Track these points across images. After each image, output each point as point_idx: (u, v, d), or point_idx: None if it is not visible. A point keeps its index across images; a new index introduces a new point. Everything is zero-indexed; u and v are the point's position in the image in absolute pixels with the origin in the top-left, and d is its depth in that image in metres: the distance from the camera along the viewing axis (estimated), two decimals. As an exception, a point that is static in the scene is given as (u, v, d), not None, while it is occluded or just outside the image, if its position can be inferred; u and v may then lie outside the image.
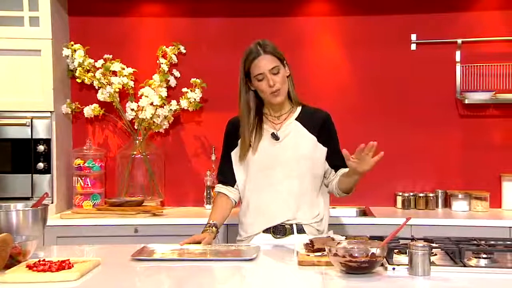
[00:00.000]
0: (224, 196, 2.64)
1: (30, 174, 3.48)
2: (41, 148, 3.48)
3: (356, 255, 1.86)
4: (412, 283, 1.82)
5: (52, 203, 3.46)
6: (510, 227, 3.17)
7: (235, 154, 2.62)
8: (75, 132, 3.81)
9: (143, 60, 3.79)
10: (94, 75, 3.64)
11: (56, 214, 3.43)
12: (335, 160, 2.54)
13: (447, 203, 3.65)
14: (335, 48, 3.80)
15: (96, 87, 3.68)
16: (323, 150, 2.56)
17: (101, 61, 3.65)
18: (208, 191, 3.67)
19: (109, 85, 3.62)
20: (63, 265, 1.93)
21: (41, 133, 3.50)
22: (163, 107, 3.65)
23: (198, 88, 3.67)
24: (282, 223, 2.52)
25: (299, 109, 2.61)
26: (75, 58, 3.62)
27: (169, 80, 3.72)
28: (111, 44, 3.78)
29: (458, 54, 3.68)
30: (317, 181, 2.57)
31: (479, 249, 2.05)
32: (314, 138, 2.56)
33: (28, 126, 3.48)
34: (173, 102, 3.65)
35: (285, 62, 2.54)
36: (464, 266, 1.93)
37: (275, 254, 2.28)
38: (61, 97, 3.61)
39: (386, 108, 3.76)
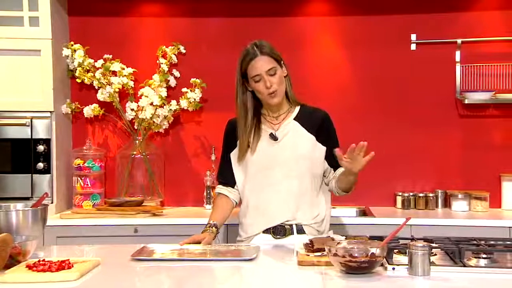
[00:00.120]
0: (225, 197, 2.65)
1: (30, 174, 3.48)
2: (41, 148, 3.48)
3: (356, 255, 1.86)
4: (412, 283, 1.82)
5: (52, 203, 3.46)
6: (510, 227, 3.17)
7: (234, 155, 2.62)
8: (75, 132, 3.81)
9: (143, 60, 3.79)
10: (94, 75, 3.64)
11: (56, 214, 3.43)
12: (334, 160, 2.52)
13: (447, 203, 3.65)
14: (335, 48, 3.80)
15: (96, 87, 3.68)
16: (322, 150, 2.56)
17: (101, 61, 3.65)
18: (208, 191, 3.67)
19: (109, 85, 3.62)
20: (63, 265, 1.93)
21: (41, 133, 3.50)
22: (163, 107, 3.65)
23: (198, 88, 3.67)
24: (282, 223, 2.51)
25: (297, 109, 2.61)
26: (75, 58, 3.62)
27: (169, 80, 3.72)
28: (111, 44, 3.78)
29: (458, 54, 3.68)
30: (317, 181, 2.56)
31: (479, 249, 2.05)
32: (313, 138, 2.55)
33: (28, 126, 3.48)
34: (173, 102, 3.66)
35: (282, 62, 2.53)
36: (464, 266, 1.93)
37: (275, 254, 2.28)
38: (61, 97, 3.61)
39: (386, 108, 3.76)
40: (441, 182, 3.71)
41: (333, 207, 2.71)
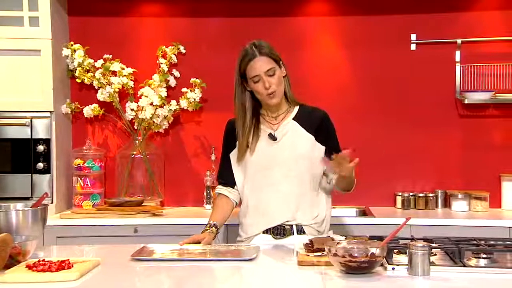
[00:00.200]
0: (225, 197, 2.64)
1: (30, 174, 3.48)
2: (40, 148, 3.48)
3: (355, 255, 1.86)
4: (412, 283, 1.82)
5: (51, 203, 3.46)
6: (509, 227, 3.17)
7: (233, 155, 2.62)
8: (75, 132, 3.81)
9: (142, 60, 3.79)
10: (94, 75, 3.64)
11: (56, 214, 3.43)
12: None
13: (446, 203, 3.65)
14: (335, 48, 3.80)
15: (96, 87, 3.68)
16: (321, 149, 2.56)
17: (100, 61, 3.65)
18: (208, 191, 3.67)
19: (109, 85, 3.62)
20: (62, 265, 1.93)
21: (40, 133, 3.49)
22: (162, 107, 3.65)
23: (197, 88, 3.67)
24: (282, 224, 2.51)
25: (296, 108, 2.61)
26: (74, 58, 3.61)
27: (168, 80, 3.72)
28: (111, 44, 3.78)
29: (458, 54, 3.68)
30: (316, 181, 2.56)
31: (479, 249, 2.05)
32: (312, 138, 2.55)
33: (27, 126, 3.48)
34: (173, 102, 3.65)
35: (281, 62, 2.53)
36: (464, 266, 1.93)
37: (274, 254, 2.28)
38: (60, 97, 3.61)
39: (386, 108, 3.76)
40: (441, 182, 3.71)
41: (333, 207, 2.70)
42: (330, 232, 2.59)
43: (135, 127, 3.70)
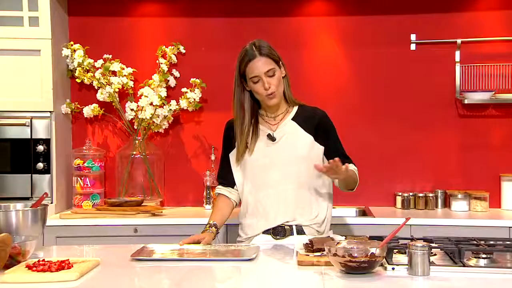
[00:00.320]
0: (225, 197, 2.64)
1: (30, 174, 3.48)
2: (40, 148, 3.48)
3: (355, 255, 1.86)
4: (412, 283, 1.82)
5: (51, 203, 3.46)
6: (509, 227, 3.17)
7: (233, 156, 2.62)
8: (75, 132, 3.81)
9: (142, 60, 3.79)
10: (94, 75, 3.63)
11: (56, 214, 3.43)
12: (334, 158, 2.52)
13: (446, 203, 3.65)
14: (335, 48, 3.80)
15: (96, 87, 3.68)
16: (320, 149, 2.56)
17: (100, 61, 3.65)
18: (208, 191, 3.67)
19: (109, 85, 3.62)
20: (62, 265, 1.93)
21: (40, 133, 3.49)
22: (162, 107, 3.65)
23: (197, 88, 3.67)
24: (281, 224, 2.51)
25: (295, 109, 2.61)
26: (74, 58, 3.61)
27: (168, 80, 3.72)
28: (111, 44, 3.78)
29: (457, 54, 3.68)
30: (316, 181, 2.56)
31: (479, 249, 2.05)
32: (311, 138, 2.55)
33: (27, 126, 3.48)
34: (173, 102, 3.65)
35: (281, 62, 2.53)
36: (464, 266, 1.93)
37: (274, 254, 2.28)
38: (60, 97, 3.61)
39: (386, 108, 3.76)
40: (441, 182, 3.71)
41: (333, 207, 2.70)
42: (330, 232, 2.59)
43: (135, 127, 3.70)
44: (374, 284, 1.81)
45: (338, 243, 2.01)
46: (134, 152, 3.69)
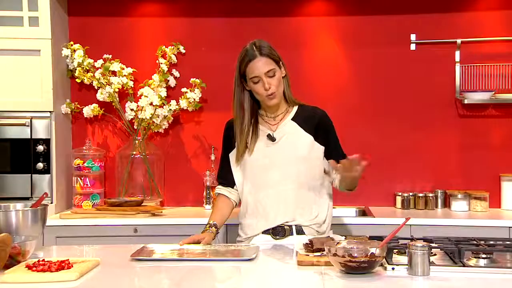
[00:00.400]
0: (224, 197, 2.64)
1: (30, 174, 3.48)
2: (40, 148, 3.48)
3: (355, 255, 1.86)
4: (412, 283, 1.82)
5: (51, 203, 3.46)
6: (509, 227, 3.17)
7: (232, 156, 2.62)
8: (75, 132, 3.81)
9: (142, 60, 3.79)
10: (94, 75, 3.63)
11: (56, 214, 3.43)
12: (335, 158, 2.51)
13: (446, 203, 3.65)
14: (335, 48, 3.80)
15: (96, 87, 3.68)
16: (320, 149, 2.56)
17: (100, 61, 3.65)
18: (208, 191, 3.67)
19: (109, 85, 3.62)
20: (62, 265, 1.93)
21: (40, 133, 3.49)
22: (162, 107, 3.65)
23: (197, 88, 3.67)
24: (281, 224, 2.51)
25: (295, 109, 2.60)
26: (74, 58, 3.61)
27: (168, 80, 3.72)
28: (111, 44, 3.78)
29: (457, 54, 3.68)
30: (316, 181, 2.56)
31: (479, 249, 2.05)
32: (311, 138, 2.55)
33: (27, 126, 3.48)
34: (173, 102, 3.65)
35: (281, 63, 2.52)
36: (464, 266, 1.93)
37: (274, 254, 2.28)
38: (60, 97, 3.61)
39: (385, 108, 3.76)
40: (440, 182, 3.71)
41: (333, 207, 2.70)
42: (330, 232, 2.59)
43: (135, 127, 3.70)
44: (374, 284, 1.81)
45: (338, 243, 2.01)
46: (134, 152, 3.69)
